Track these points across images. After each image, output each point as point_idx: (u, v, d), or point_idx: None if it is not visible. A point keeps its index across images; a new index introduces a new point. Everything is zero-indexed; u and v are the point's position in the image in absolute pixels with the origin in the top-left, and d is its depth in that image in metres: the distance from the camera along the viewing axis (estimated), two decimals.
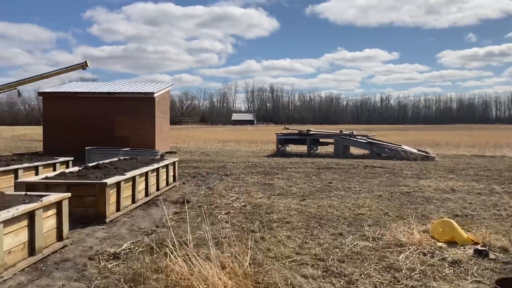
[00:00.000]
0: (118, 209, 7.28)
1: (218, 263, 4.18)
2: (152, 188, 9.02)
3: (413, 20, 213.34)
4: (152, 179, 9.03)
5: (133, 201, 7.98)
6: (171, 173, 10.48)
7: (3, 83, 25.52)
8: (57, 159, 10.67)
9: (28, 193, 5.60)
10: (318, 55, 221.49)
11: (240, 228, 6.45)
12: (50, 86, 21.19)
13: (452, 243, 5.68)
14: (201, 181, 11.64)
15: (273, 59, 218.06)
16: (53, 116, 18.13)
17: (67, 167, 10.50)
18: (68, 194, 5.67)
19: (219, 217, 7.21)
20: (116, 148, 12.07)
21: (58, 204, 5.45)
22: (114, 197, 7.17)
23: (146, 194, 8.69)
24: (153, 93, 17.57)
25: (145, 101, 17.73)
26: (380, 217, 7.32)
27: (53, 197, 5.34)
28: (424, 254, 5.25)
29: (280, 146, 20.81)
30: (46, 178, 7.17)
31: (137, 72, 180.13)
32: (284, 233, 6.18)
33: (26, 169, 9.14)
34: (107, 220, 6.77)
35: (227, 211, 7.60)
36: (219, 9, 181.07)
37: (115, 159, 10.44)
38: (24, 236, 4.77)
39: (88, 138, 17.76)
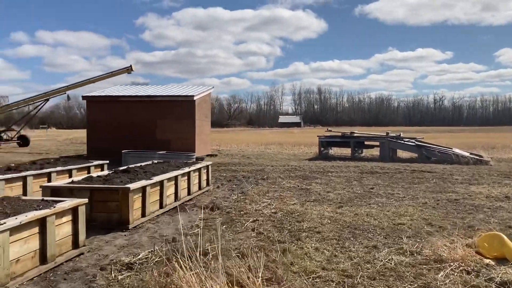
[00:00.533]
0: (143, 215, 7.06)
1: (225, 279, 3.80)
2: (183, 193, 8.78)
3: (468, 18, 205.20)
4: (183, 183, 8.79)
5: (161, 206, 7.76)
6: (204, 177, 10.22)
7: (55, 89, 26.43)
8: (92, 162, 10.69)
9: (45, 198, 5.46)
10: (368, 56, 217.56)
11: (265, 238, 6.05)
12: (101, 90, 21.64)
13: (501, 260, 5.02)
14: (235, 185, 11.33)
15: (321, 60, 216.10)
16: (96, 119, 18.45)
17: (102, 170, 10.47)
18: (85, 200, 5.48)
19: (246, 224, 6.84)
20: (152, 151, 12.01)
21: (73, 211, 5.26)
22: (139, 203, 6.96)
23: (176, 199, 8.45)
24: (193, 96, 17.49)
25: (185, 104, 17.68)
26: (421, 227, 6.70)
27: (68, 203, 5.16)
28: (468, 273, 4.64)
29: (322, 149, 20.20)
30: (72, 182, 7.07)
31: (188, 77, 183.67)
32: (313, 245, 5.72)
33: (59, 172, 9.16)
34: (130, 226, 6.55)
35: (255, 218, 7.21)
36: (267, 12, 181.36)
37: (149, 162, 10.31)
38: (34, 244, 4.59)
39: (130, 141, 17.92)
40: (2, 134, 27.31)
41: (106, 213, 6.60)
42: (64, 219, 5.10)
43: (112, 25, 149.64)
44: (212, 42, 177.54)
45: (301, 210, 7.92)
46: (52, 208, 4.85)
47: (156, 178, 7.56)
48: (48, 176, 8.78)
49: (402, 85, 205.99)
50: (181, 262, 4.02)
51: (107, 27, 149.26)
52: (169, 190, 8.15)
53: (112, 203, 6.59)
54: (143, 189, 7.05)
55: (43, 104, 26.57)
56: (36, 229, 4.60)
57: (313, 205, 8.47)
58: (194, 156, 11.67)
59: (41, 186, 6.79)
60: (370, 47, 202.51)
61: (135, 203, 6.80)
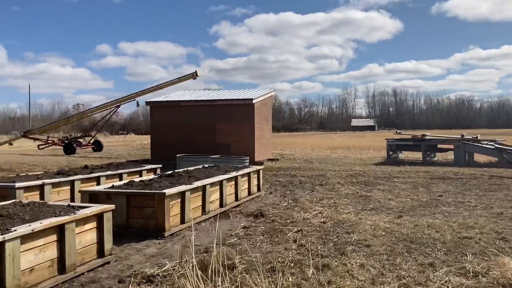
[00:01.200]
0: (182, 221, 6.74)
1: None
2: (229, 199, 8.38)
3: None
4: (229, 189, 8.40)
5: (203, 212, 7.41)
6: (254, 182, 9.78)
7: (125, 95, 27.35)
8: (144, 166, 10.62)
9: (72, 204, 5.26)
10: (447, 55, 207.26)
11: (306, 251, 5.45)
12: (165, 95, 22.01)
13: None
14: (290, 191, 10.76)
15: (397, 61, 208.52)
16: (159, 124, 18.71)
17: (155, 174, 10.35)
18: (111, 206, 5.21)
19: (288, 235, 6.28)
20: (205, 156, 11.79)
21: (98, 217, 5.01)
22: (178, 208, 6.64)
23: (221, 205, 8.07)
24: (251, 99, 17.17)
25: (244, 107, 17.41)
26: (492, 243, 5.77)
27: (91, 209, 4.91)
28: None
29: (391, 153, 19.03)
30: (112, 187, 6.89)
31: (259, 82, 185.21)
32: (358, 260, 5.05)
33: (109, 176, 9.12)
34: (166, 233, 6.24)
35: (300, 228, 6.63)
36: (339, 15, 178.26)
37: (199, 166, 10.05)
38: (52, 252, 4.36)
39: (191, 145, 17.95)
40: (81, 140, 28.64)
41: (142, 219, 6.34)
42: (87, 226, 4.85)
43: (188, 34, 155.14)
44: (283, 47, 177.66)
45: (353, 220, 7.21)
46: (72, 214, 4.61)
47: (197, 183, 7.21)
48: (97, 180, 8.75)
49: (486, 85, 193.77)
50: (190, 279, 3.56)
51: (183, 37, 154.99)
52: (213, 196, 7.78)
53: (148, 209, 6.31)
54: (181, 195, 6.72)
55: (114, 110, 27.57)
56: (53, 237, 4.37)
57: (369, 214, 7.72)
58: (247, 160, 11.29)
59: (79, 191, 6.68)
60: (449, 46, 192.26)
61: (173, 209, 6.48)
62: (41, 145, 28.81)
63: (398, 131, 22.38)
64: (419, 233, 6.33)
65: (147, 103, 19.43)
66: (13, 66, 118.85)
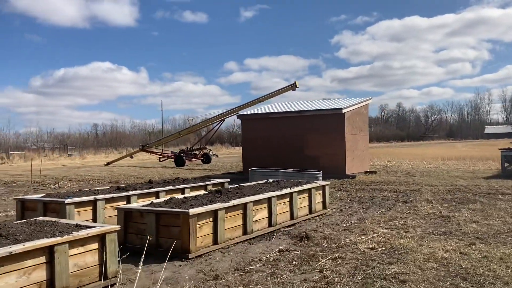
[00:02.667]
0: (215, 242, 6.38)
1: None
2: (280, 217, 7.83)
3: None
4: (281, 207, 7.85)
5: (245, 233, 6.97)
6: (318, 199, 9.08)
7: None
8: (210, 180, 10.51)
9: (80, 223, 5.21)
10: None
11: (325, 284, 4.73)
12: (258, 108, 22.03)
13: None
14: (364, 208, 9.81)
15: None
16: (250, 136, 18.70)
17: (223, 187, 10.18)
18: (115, 227, 5.05)
19: (320, 263, 5.56)
20: (276, 169, 11.33)
21: (101, 238, 4.87)
22: (209, 228, 6.30)
23: (270, 224, 7.56)
24: (341, 108, 16.26)
25: (334, 117, 16.56)
26: None
27: (89, 231, 4.78)
28: None
29: (506, 164, 16.65)
30: (151, 204, 6.81)
31: (383, 90, 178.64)
32: None
33: (169, 191, 9.14)
34: (192, 255, 5.93)
35: (339, 255, 5.85)
36: (471, 14, 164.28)
37: (262, 181, 9.64)
38: (40, 275, 4.29)
39: (280, 157, 17.62)
40: (197, 152, 29.88)
41: (171, 239, 6.09)
42: (86, 247, 4.73)
43: (309, 46, 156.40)
44: (409, 53, 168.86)
45: (410, 247, 6.21)
46: (65, 236, 4.53)
47: (235, 201, 6.81)
48: (156, 195, 8.81)
49: None
50: None
51: (305, 49, 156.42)
52: (258, 215, 7.30)
53: (175, 228, 6.08)
54: (214, 213, 6.37)
55: (219, 124, 28.42)
56: (41, 259, 4.31)
57: (434, 240, 6.61)
58: (320, 175, 10.55)
59: (115, 208, 6.70)
60: None
61: (202, 229, 6.16)
62: (161, 158, 30.75)
63: None
64: (483, 268, 5.18)
65: (238, 116, 19.58)
66: (153, 86, 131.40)
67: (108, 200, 7.92)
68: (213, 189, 8.36)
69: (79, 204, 7.48)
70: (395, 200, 10.94)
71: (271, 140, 17.91)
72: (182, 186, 9.60)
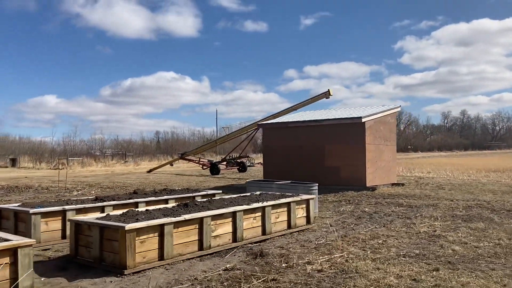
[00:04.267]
0: (161, 258, 6.18)
1: None
2: (249, 232, 7.49)
3: None
4: (250, 221, 7.52)
5: (201, 248, 6.71)
6: (299, 213, 8.64)
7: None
8: (200, 192, 10.33)
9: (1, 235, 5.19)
10: None
11: None
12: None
13: None
14: (356, 224, 9.24)
15: None
16: (270, 145, 18.37)
17: (214, 197, 9.98)
18: (30, 241, 4.97)
19: (252, 284, 5.19)
20: (271, 181, 10.92)
21: (14, 252, 4.82)
22: (153, 244, 6.11)
23: (235, 240, 7.25)
24: (360, 117, 15.54)
25: (353, 127, 15.87)
26: None
27: (2, 244, 4.74)
28: None
29: None
30: (106, 217, 6.72)
31: (449, 96, 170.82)
32: None
33: (150, 202, 9.05)
34: (128, 271, 5.75)
35: (278, 277, 5.45)
36: None
37: (247, 194, 9.33)
38: None
39: (299, 167, 17.16)
40: (239, 160, 29.85)
41: (112, 253, 5.99)
42: None
43: (371, 52, 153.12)
44: (477, 57, 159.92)
45: (362, 270, 5.69)
46: None
47: (188, 216, 6.57)
48: (136, 205, 8.74)
49: None
50: None
51: (367, 55, 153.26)
52: (220, 229, 7.02)
53: (116, 243, 5.95)
54: (160, 228, 6.18)
55: (254, 132, 28.27)
56: None
57: (399, 263, 6.03)
58: (315, 187, 10.03)
59: (68, 220, 6.68)
60: None
61: (144, 244, 5.98)
62: (203, 166, 31.03)
63: None
64: None
65: (258, 125, 19.31)
66: (215, 95, 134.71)
67: (79, 211, 7.94)
68: (183, 202, 8.15)
69: (46, 214, 7.55)
70: (398, 216, 10.24)
71: (290, 150, 17.48)
72: (166, 197, 9.50)
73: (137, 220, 6.24)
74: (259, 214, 7.75)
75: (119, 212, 7.37)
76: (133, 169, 46.52)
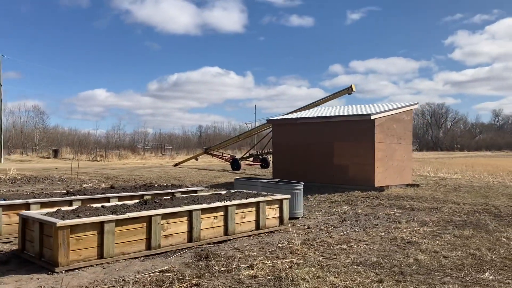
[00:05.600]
0: (101, 256, 6.01)
1: None
2: (208, 232, 7.21)
3: None
4: (211, 221, 7.24)
5: (149, 248, 6.50)
6: (271, 213, 8.28)
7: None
8: (180, 188, 10.12)
9: None
10: None
11: None
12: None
13: None
14: (336, 227, 8.78)
15: None
16: (279, 142, 17.93)
17: (195, 193, 9.76)
18: None
19: None
20: (256, 179, 10.53)
21: None
22: (92, 241, 5.95)
23: (190, 240, 6.99)
24: (369, 114, 14.84)
25: (362, 124, 15.18)
26: None
27: None
28: None
29: None
30: (55, 212, 6.62)
31: (504, 94, 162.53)
32: None
33: (124, 198, 8.91)
34: (59, 268, 5.60)
35: (204, 282, 5.15)
36: None
37: (222, 192, 9.04)
38: None
39: (309, 165, 16.68)
40: (265, 156, 29.61)
41: (49, 249, 5.87)
42: None
43: (420, 48, 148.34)
44: None
45: (299, 278, 5.30)
46: None
47: (133, 214, 6.36)
48: (107, 200, 8.63)
49: None
50: None
51: (416, 51, 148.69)
52: (173, 228, 6.78)
53: (52, 239, 5.82)
54: (101, 226, 6.01)
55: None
56: None
57: (346, 272, 5.59)
58: (300, 187, 9.58)
59: (18, 214, 6.63)
60: None
61: (81, 241, 5.82)
62: (226, 160, 30.99)
63: None
64: None
65: (268, 121, 18.89)
66: (258, 90, 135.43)
67: (44, 204, 7.91)
68: (144, 200, 7.97)
69: (9, 207, 7.56)
70: (388, 219, 9.67)
71: (300, 147, 16.99)
72: (142, 193, 9.36)
73: (78, 217, 6.09)
74: (221, 213, 7.46)
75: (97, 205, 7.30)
76: (166, 162, 47.12)
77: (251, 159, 29.76)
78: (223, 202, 7.55)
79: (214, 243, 7.22)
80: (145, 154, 67.16)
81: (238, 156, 31.03)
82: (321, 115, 17.00)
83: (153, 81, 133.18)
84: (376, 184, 14.96)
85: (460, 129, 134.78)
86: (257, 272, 5.52)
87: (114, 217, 6.16)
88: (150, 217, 6.51)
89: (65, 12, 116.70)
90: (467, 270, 5.76)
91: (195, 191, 10.13)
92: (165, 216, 6.70)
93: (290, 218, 9.58)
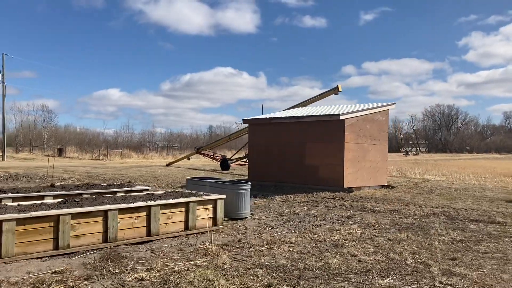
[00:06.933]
0: None
1: None
2: (128, 233, 7.03)
3: None
4: (131, 221, 7.06)
5: (57, 247, 6.34)
6: (203, 214, 8.08)
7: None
8: (124, 187, 9.97)
9: None
10: None
11: None
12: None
13: None
14: (274, 228, 8.54)
15: None
16: (254, 142, 17.70)
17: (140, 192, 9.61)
18: None
19: None
20: (205, 179, 10.29)
21: None
22: None
23: (106, 240, 6.82)
24: (338, 114, 14.54)
25: (333, 124, 14.87)
26: None
27: None
28: None
29: None
30: None
31: None
32: None
33: (58, 196, 8.79)
34: None
35: (90, 285, 4.98)
36: None
37: (161, 191, 8.87)
38: None
39: (283, 165, 16.45)
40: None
41: None
42: None
43: (434, 49, 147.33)
44: None
45: (190, 281, 5.11)
46: None
47: (37, 213, 6.21)
48: (40, 198, 8.50)
49: None
50: None
51: (429, 52, 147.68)
52: (85, 228, 6.61)
53: None
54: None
55: None
56: None
57: (239, 276, 5.38)
58: (247, 187, 9.34)
59: None
60: None
61: None
62: (216, 160, 30.85)
63: None
64: None
65: (244, 121, 18.66)
66: (271, 90, 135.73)
67: None
68: (65, 199, 7.82)
69: None
70: (336, 221, 9.44)
71: (274, 147, 16.74)
72: (80, 191, 9.22)
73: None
74: (144, 214, 7.28)
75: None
76: (166, 161, 47.13)
77: (245, 159, 29.57)
78: (146, 202, 7.37)
79: (133, 244, 7.04)
80: (150, 153, 67.31)
81: (227, 156, 30.86)
82: (294, 115, 16.73)
83: (166, 81, 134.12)
84: (346, 185, 14.67)
85: (471, 130, 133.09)
86: (148, 275, 5.33)
87: (15, 216, 6.00)
88: (58, 216, 6.35)
89: (79, 12, 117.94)
90: (371, 275, 5.51)
91: (141, 191, 9.97)
92: (75, 215, 6.53)
93: (235, 219, 9.41)
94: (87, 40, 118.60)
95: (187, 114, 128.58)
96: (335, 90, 24.30)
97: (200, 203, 8.03)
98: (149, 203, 7.34)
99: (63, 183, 17.98)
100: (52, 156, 55.41)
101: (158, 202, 7.48)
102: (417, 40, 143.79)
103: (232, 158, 28.92)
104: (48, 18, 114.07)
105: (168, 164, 32.83)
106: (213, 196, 8.31)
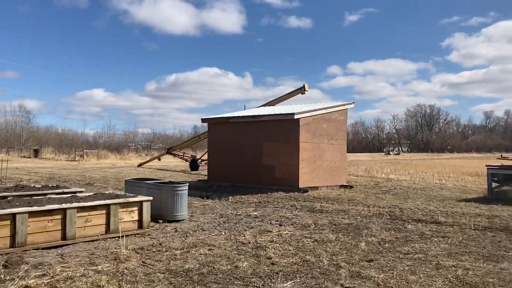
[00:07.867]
0: None
1: None
2: (37, 237, 6.72)
3: None
4: (43, 224, 6.75)
5: None
6: (127, 216, 7.79)
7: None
8: (56, 189, 9.64)
9: None
10: None
11: None
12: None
13: None
14: (205, 230, 8.30)
15: None
16: (213, 142, 17.44)
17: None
18: None
19: None
20: (141, 181, 10.05)
21: None
22: None
23: (12, 245, 6.50)
24: (293, 114, 14.36)
25: (288, 123, 14.70)
26: None
27: None
28: None
29: (494, 185, 13.56)
30: None
31: (501, 96, 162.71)
32: None
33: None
34: None
35: None
36: None
37: (91, 193, 8.56)
38: None
39: (241, 165, 16.22)
40: None
41: None
42: None
43: (418, 49, 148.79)
44: None
45: (77, 286, 4.84)
46: None
47: None
48: None
49: None
50: None
51: (414, 52, 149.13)
52: None
53: None
54: None
55: None
56: None
57: (132, 281, 5.12)
58: (183, 188, 9.10)
59: None
60: None
61: None
62: (186, 161, 30.56)
63: (504, 155, 15.94)
64: None
65: (203, 120, 18.39)
66: (257, 90, 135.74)
67: None
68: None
69: None
70: (274, 221, 9.22)
71: (232, 147, 16.50)
72: (4, 194, 8.85)
73: None
74: (59, 216, 6.97)
75: None
76: (138, 162, 46.56)
77: None
78: (61, 205, 7.06)
79: (45, 248, 6.74)
80: (128, 154, 66.56)
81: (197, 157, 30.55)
82: (252, 114, 16.52)
83: (151, 81, 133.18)
84: (301, 185, 14.50)
85: (453, 130, 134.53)
86: (36, 282, 5.04)
87: None
88: None
89: (63, 12, 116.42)
90: (275, 278, 5.30)
91: (74, 192, 9.63)
92: None
93: (171, 221, 9.15)
94: (71, 40, 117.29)
95: (173, 114, 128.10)
96: (302, 90, 24.20)
97: (123, 205, 7.75)
98: (64, 205, 7.03)
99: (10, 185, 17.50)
100: (27, 157, 54.51)
101: (75, 204, 7.17)
102: (401, 40, 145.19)
103: (201, 158, 28.63)
104: (30, 18, 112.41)
105: (139, 165, 32.40)
106: (138, 198, 8.03)
